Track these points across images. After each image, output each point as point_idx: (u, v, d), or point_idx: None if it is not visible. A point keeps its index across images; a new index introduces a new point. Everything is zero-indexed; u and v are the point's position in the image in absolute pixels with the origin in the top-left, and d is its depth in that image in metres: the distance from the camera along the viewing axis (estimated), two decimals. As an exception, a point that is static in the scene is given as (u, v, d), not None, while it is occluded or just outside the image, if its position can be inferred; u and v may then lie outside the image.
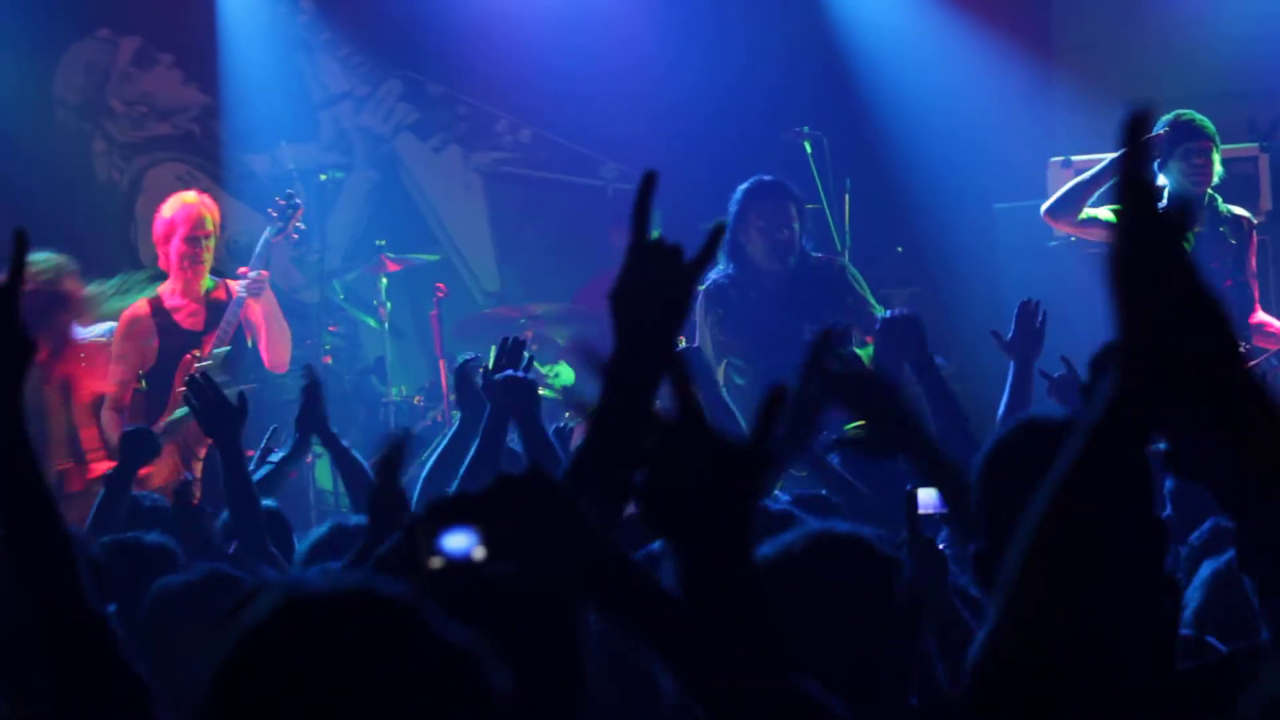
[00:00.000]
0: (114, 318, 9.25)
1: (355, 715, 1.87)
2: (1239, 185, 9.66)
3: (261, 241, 9.56)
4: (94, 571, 3.21)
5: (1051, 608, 2.06)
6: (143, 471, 8.43)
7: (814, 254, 8.91)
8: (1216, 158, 8.84)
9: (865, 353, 8.23)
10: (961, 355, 9.25)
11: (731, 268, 8.70)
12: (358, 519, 5.02)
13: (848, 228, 10.84)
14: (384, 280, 10.99)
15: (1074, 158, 10.16)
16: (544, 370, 11.06)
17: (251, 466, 6.50)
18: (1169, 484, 5.12)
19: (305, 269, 11.71)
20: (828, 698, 2.23)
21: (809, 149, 10.75)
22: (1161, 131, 8.80)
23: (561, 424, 7.01)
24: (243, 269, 9.36)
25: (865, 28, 12.33)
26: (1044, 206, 8.88)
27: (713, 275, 8.68)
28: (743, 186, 8.78)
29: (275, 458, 6.82)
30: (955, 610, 3.71)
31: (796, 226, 8.74)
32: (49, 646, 2.91)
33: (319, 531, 5.17)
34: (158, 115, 12.45)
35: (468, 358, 7.01)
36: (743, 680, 2.19)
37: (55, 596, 2.93)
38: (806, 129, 10.86)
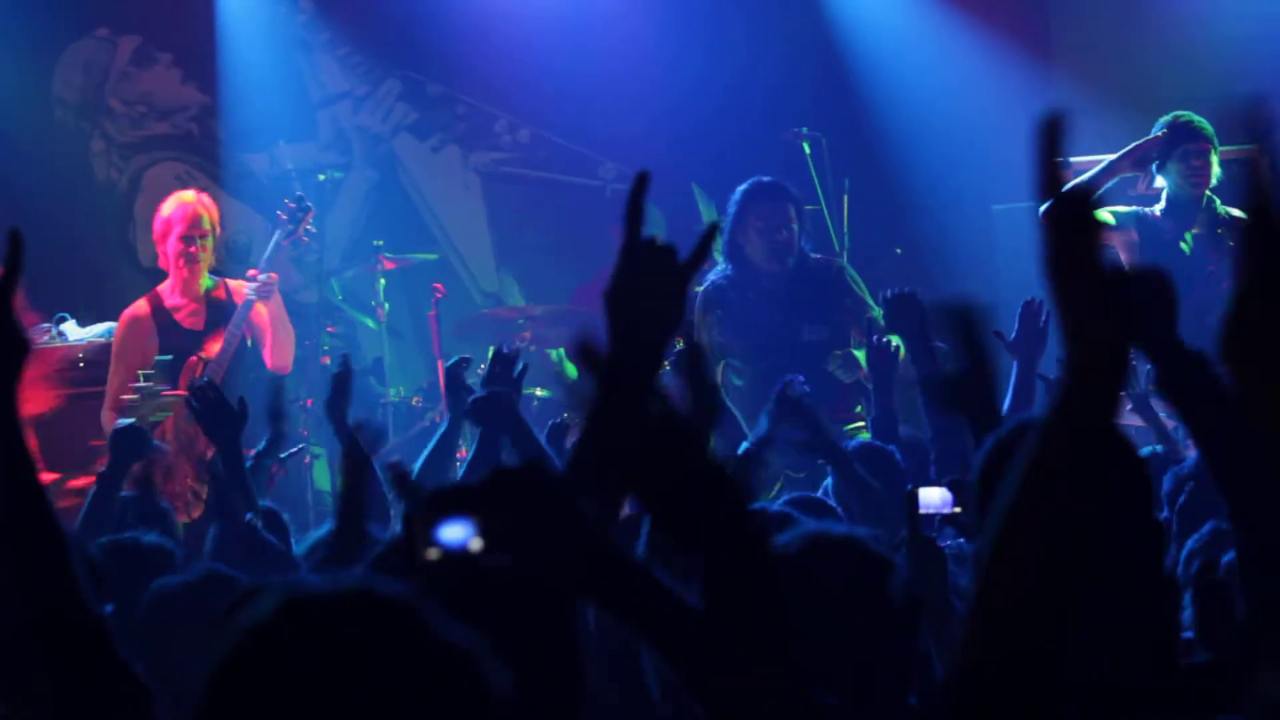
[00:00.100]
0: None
1: (355, 715, 1.87)
2: (1237, 187, 9.65)
3: (271, 244, 9.56)
4: (91, 572, 3.21)
5: (1019, 604, 2.06)
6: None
7: (813, 255, 8.92)
8: (1215, 159, 8.85)
9: (861, 354, 8.25)
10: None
11: (730, 269, 8.70)
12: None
13: (846, 229, 10.84)
14: (382, 281, 10.98)
15: (1073, 159, 10.14)
16: (552, 356, 11.07)
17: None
18: (1167, 486, 5.13)
19: (304, 269, 11.71)
20: (827, 697, 2.24)
21: (807, 150, 10.75)
22: (1159, 133, 8.81)
23: (558, 419, 7.01)
24: (252, 271, 9.35)
25: (864, 28, 12.33)
26: (1043, 208, 8.87)
27: (711, 276, 8.69)
28: (741, 187, 8.78)
29: (256, 452, 6.82)
30: (955, 610, 3.72)
31: (795, 228, 8.74)
32: (47, 646, 2.90)
33: (316, 534, 5.16)
34: (156, 115, 12.44)
35: (457, 359, 7.01)
36: (741, 676, 2.20)
37: (52, 596, 2.93)
38: (805, 130, 10.86)
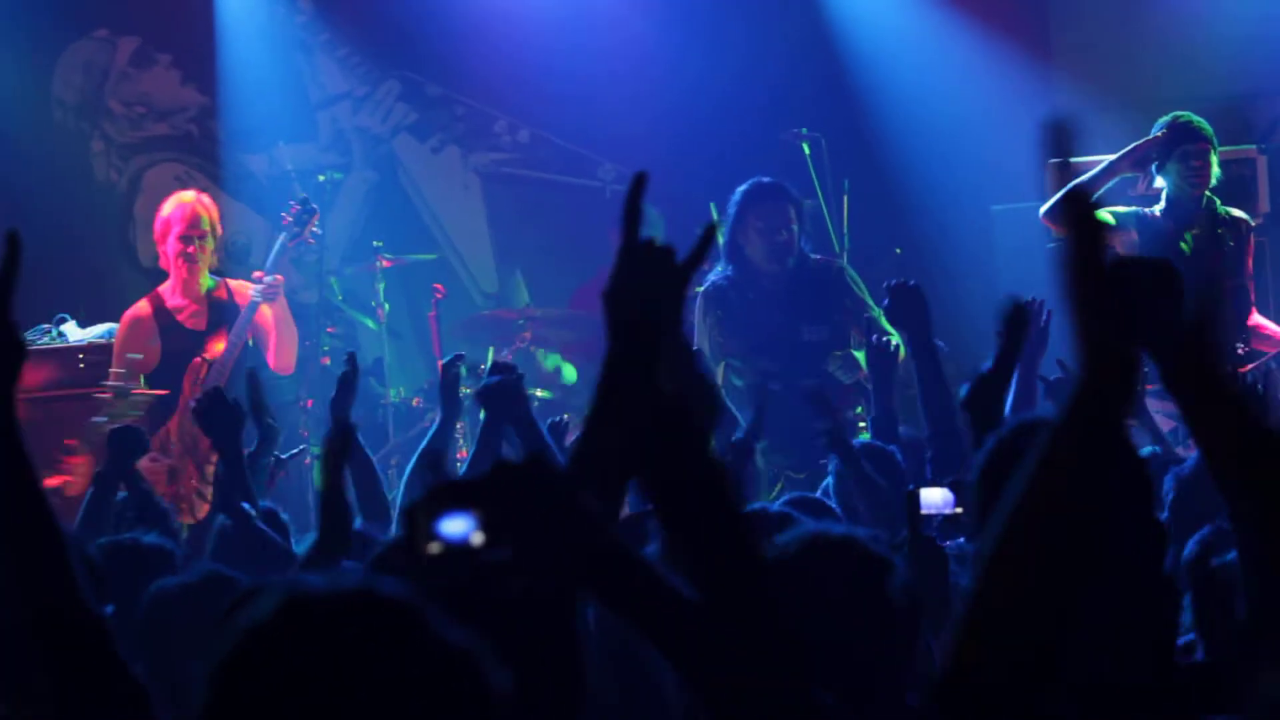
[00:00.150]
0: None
1: (355, 715, 1.87)
2: (1237, 188, 9.66)
3: (276, 246, 9.57)
4: (91, 572, 3.20)
5: (1021, 603, 2.06)
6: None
7: (812, 255, 8.91)
8: (1214, 159, 8.84)
9: (860, 355, 8.25)
10: (961, 356, 9.25)
11: (730, 269, 8.70)
12: (356, 524, 5.00)
13: (846, 229, 10.84)
14: (382, 282, 10.98)
15: (1071, 159, 10.14)
16: (544, 359, 11.07)
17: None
18: (1167, 487, 5.13)
19: (303, 269, 11.71)
20: (826, 696, 2.23)
21: (807, 150, 10.75)
22: (1159, 134, 8.81)
23: (556, 419, 7.02)
24: (258, 273, 9.34)
25: (864, 29, 12.33)
26: (1043, 209, 8.85)
27: (711, 277, 8.69)
28: (741, 188, 8.78)
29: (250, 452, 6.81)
30: (956, 610, 3.71)
31: (795, 228, 8.75)
32: (46, 647, 2.90)
33: (315, 536, 5.16)
34: (156, 115, 12.44)
35: (452, 357, 7.02)
36: (741, 674, 2.20)
37: (52, 597, 2.93)
38: (805, 130, 10.86)
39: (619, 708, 3.56)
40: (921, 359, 5.97)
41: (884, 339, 6.93)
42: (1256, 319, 8.98)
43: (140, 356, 9.06)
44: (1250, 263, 9.04)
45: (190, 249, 9.16)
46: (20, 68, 11.96)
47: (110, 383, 8.93)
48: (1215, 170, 8.85)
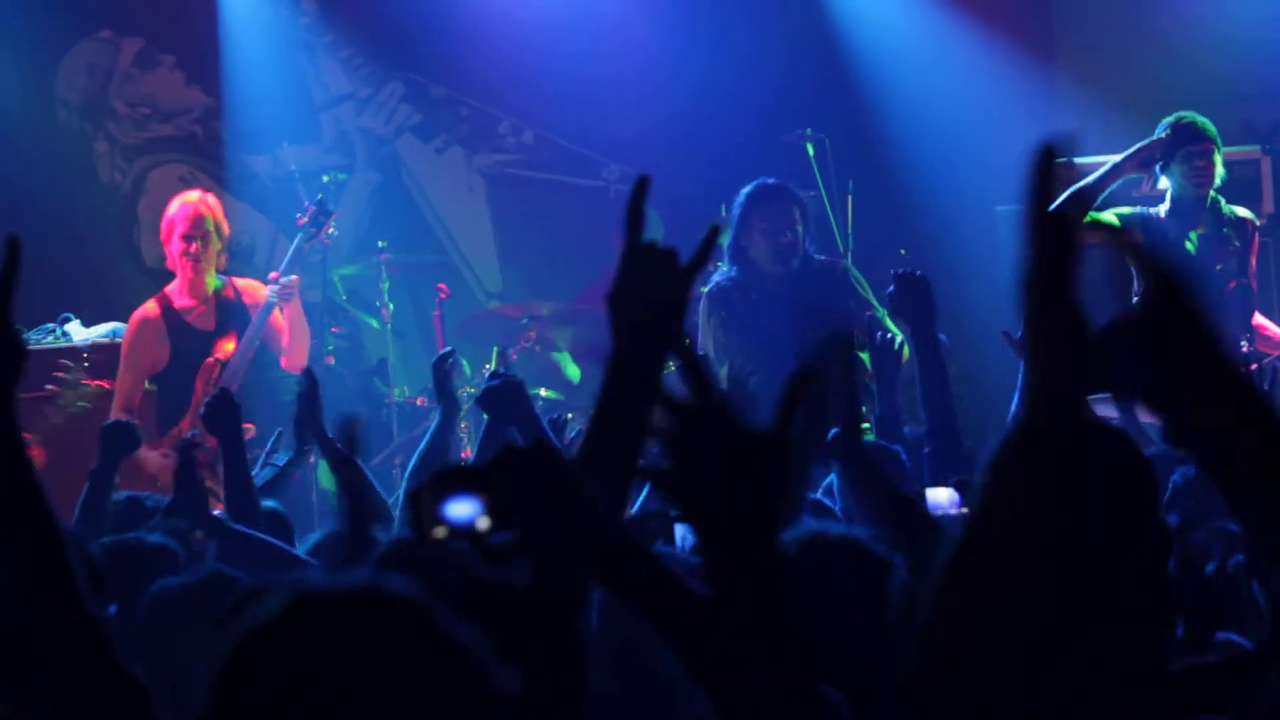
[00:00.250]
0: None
1: (361, 713, 1.87)
2: (1241, 188, 9.65)
3: (293, 247, 9.57)
4: (93, 572, 3.20)
5: (973, 617, 2.06)
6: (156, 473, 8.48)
7: (817, 256, 8.91)
8: (1218, 159, 8.83)
9: (866, 356, 8.23)
10: (965, 356, 9.24)
11: (734, 270, 8.70)
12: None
13: (850, 230, 10.84)
14: (386, 282, 10.98)
15: (1076, 160, 10.14)
16: (554, 358, 11.07)
17: (256, 470, 6.51)
18: (1175, 486, 5.12)
19: (307, 270, 11.70)
20: (837, 694, 2.24)
21: (811, 151, 10.75)
22: (1163, 135, 8.80)
23: (556, 415, 7.01)
24: (274, 274, 9.35)
25: (867, 30, 12.32)
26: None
27: (716, 278, 8.69)
28: (746, 189, 8.78)
29: (279, 460, 6.83)
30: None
31: (800, 229, 8.74)
32: (45, 648, 2.90)
33: (316, 536, 5.17)
34: (160, 116, 12.45)
35: (443, 353, 7.02)
36: (746, 668, 2.20)
37: (50, 598, 2.93)
38: (809, 131, 10.86)
39: (621, 707, 3.56)
40: (923, 353, 5.95)
41: (888, 337, 6.91)
42: (1258, 320, 8.98)
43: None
44: (1253, 262, 9.03)
45: (193, 248, 9.15)
46: (24, 69, 11.97)
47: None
48: (1220, 170, 8.85)
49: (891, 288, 6.29)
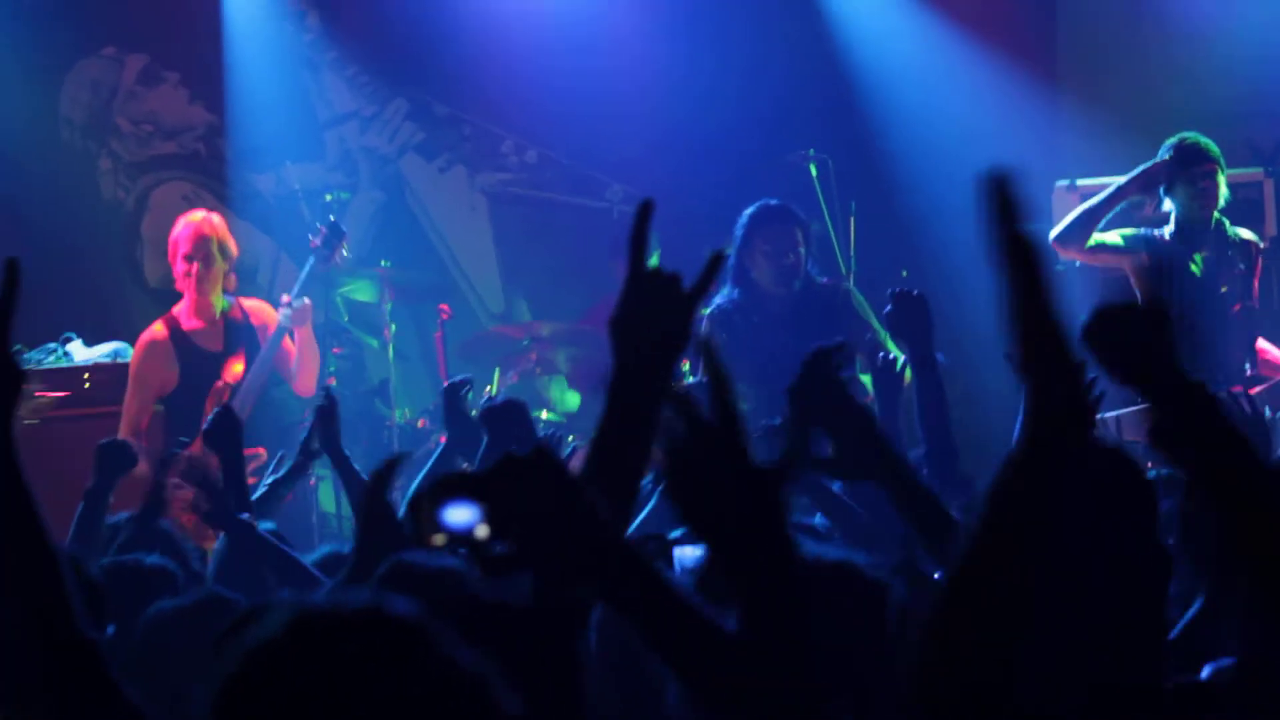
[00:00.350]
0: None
1: None
2: (1244, 210, 9.64)
3: (305, 271, 9.55)
4: (92, 593, 3.20)
5: (973, 631, 2.06)
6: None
7: (819, 278, 8.91)
8: (1222, 180, 8.83)
9: (867, 379, 8.22)
10: (967, 377, 9.23)
11: (736, 292, 8.70)
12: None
13: (853, 251, 10.83)
14: (389, 303, 10.96)
15: (1079, 181, 10.15)
16: (547, 386, 11.04)
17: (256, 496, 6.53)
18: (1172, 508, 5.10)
19: (309, 290, 11.69)
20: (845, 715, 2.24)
21: (814, 172, 10.75)
22: (1167, 156, 8.80)
23: (551, 432, 7.01)
24: (285, 297, 9.33)
25: (871, 51, 12.33)
26: (1053, 234, 8.82)
27: (718, 300, 8.68)
28: (748, 211, 8.78)
29: (271, 478, 6.84)
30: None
31: (802, 251, 8.75)
32: (41, 670, 2.89)
33: (311, 557, 5.17)
34: (163, 134, 12.45)
35: (456, 380, 7.02)
36: (739, 679, 2.19)
37: (46, 621, 2.92)
38: (812, 151, 10.86)
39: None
40: (920, 372, 5.93)
41: (890, 358, 6.89)
42: (1261, 344, 8.97)
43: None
44: (1258, 285, 9.03)
45: (194, 269, 9.14)
46: (28, 86, 11.97)
47: None
48: (1224, 191, 8.84)
49: (889, 307, 6.27)
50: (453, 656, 1.92)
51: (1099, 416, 5.64)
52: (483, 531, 2.14)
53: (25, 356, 9.17)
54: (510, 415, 6.15)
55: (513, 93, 12.45)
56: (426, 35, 12.30)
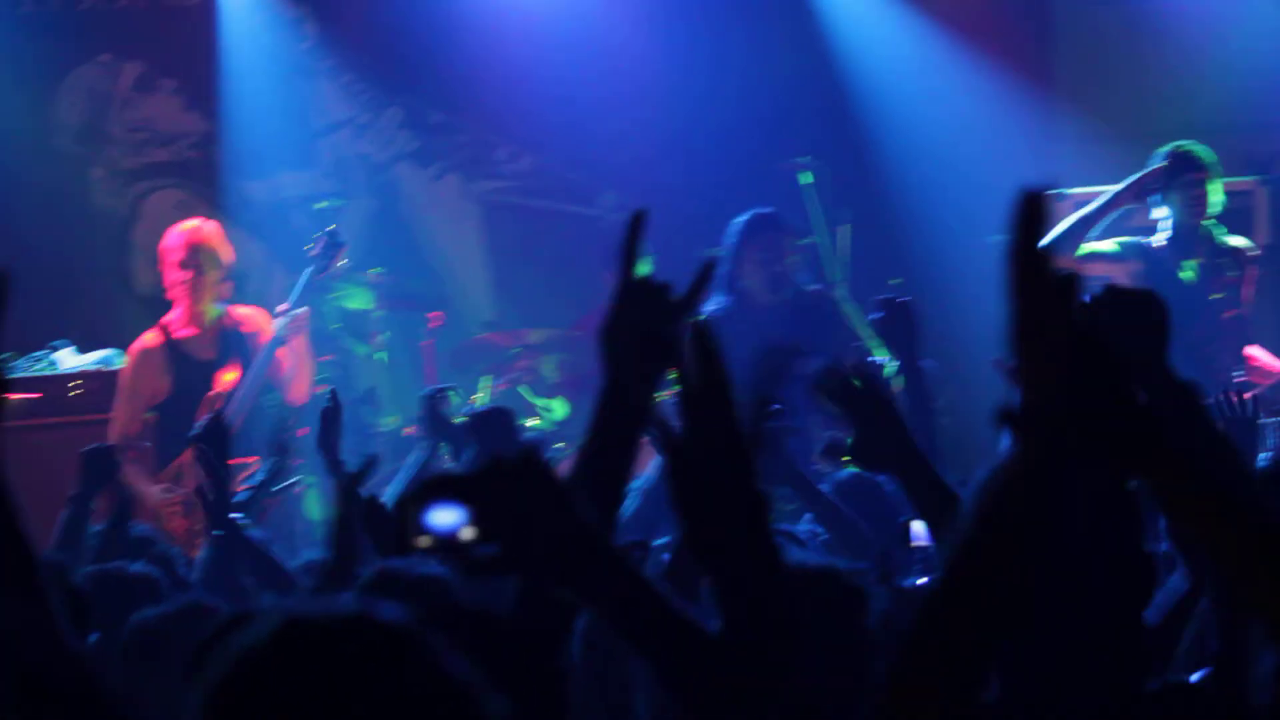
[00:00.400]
0: None
1: None
2: (1238, 219, 9.64)
3: (302, 279, 9.49)
4: (76, 601, 3.19)
5: (957, 637, 2.06)
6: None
7: (809, 286, 8.92)
8: (1214, 187, 8.84)
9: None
10: (957, 386, 9.23)
11: (727, 300, 8.71)
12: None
13: (845, 259, 10.83)
14: (380, 310, 10.95)
15: (1071, 190, 10.15)
16: (538, 402, 11.03)
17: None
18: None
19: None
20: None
21: (807, 179, 10.75)
22: (1160, 164, 8.81)
23: (533, 436, 7.02)
24: (282, 306, 9.32)
25: (865, 59, 12.33)
26: (1044, 242, 8.82)
27: (708, 307, 8.68)
28: (739, 219, 8.80)
29: (252, 481, 6.83)
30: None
31: (793, 259, 8.76)
32: (21, 679, 2.89)
33: (295, 564, 5.17)
34: (157, 141, 12.44)
35: (435, 388, 7.02)
36: (720, 682, 2.19)
37: (25, 628, 2.91)
38: (805, 159, 10.86)
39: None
40: (907, 379, 5.92)
41: (877, 366, 6.87)
42: (1251, 351, 8.97)
43: None
44: (1249, 292, 9.03)
45: (186, 276, 9.13)
46: (23, 92, 11.97)
47: None
48: (1216, 198, 8.85)
49: (878, 314, 6.28)
50: (442, 663, 1.91)
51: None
52: (469, 533, 2.14)
53: (12, 365, 9.14)
54: (497, 423, 6.15)
55: (507, 101, 12.45)
56: (422, 44, 12.30)
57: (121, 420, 9.05)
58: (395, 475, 7.04)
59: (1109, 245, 8.85)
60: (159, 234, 9.51)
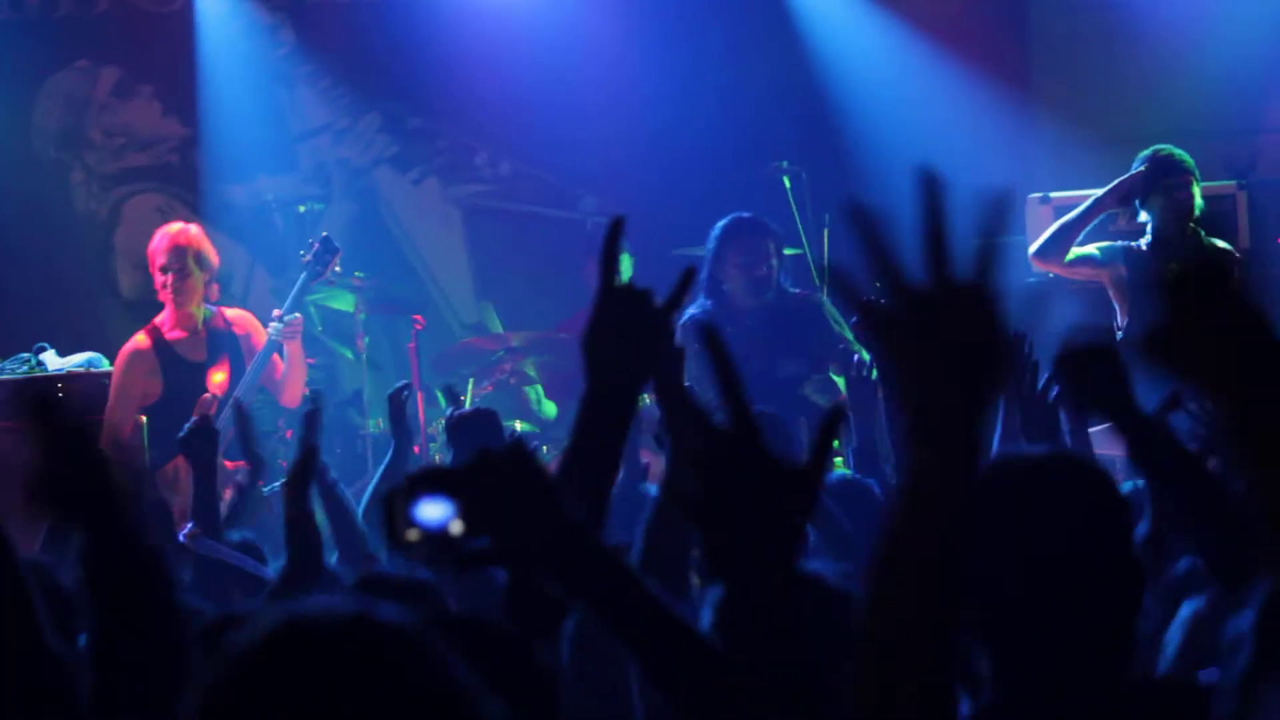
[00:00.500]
0: None
1: None
2: (1217, 224, 9.65)
3: (297, 286, 9.50)
4: (62, 603, 3.18)
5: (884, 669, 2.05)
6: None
7: (791, 290, 8.92)
8: (1196, 191, 8.85)
9: (841, 380, 8.23)
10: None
11: (709, 304, 8.71)
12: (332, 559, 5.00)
13: (826, 263, 10.84)
14: (363, 313, 10.94)
15: (1052, 194, 10.16)
16: (525, 391, 11.03)
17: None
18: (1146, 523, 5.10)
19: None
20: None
21: (788, 183, 10.76)
22: (1141, 169, 8.82)
23: (516, 434, 7.00)
24: (277, 311, 9.31)
25: (845, 64, 12.35)
26: (1032, 249, 8.85)
27: (691, 310, 8.68)
28: (721, 224, 8.80)
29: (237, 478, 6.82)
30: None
31: (775, 263, 8.76)
32: (9, 690, 2.88)
33: (275, 566, 5.16)
34: (137, 146, 12.43)
35: (399, 385, 7.01)
36: (704, 677, 2.19)
37: (15, 641, 2.90)
38: (786, 164, 10.87)
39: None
40: (887, 383, 5.91)
41: (866, 369, 6.86)
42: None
43: None
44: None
45: (169, 279, 9.13)
46: (1, 99, 11.96)
47: None
48: (1198, 201, 8.87)
49: (856, 318, 6.28)
50: (442, 664, 1.92)
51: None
52: (457, 527, 2.14)
53: (-1, 367, 9.15)
54: (481, 425, 6.13)
55: (486, 106, 12.45)
56: (400, 49, 12.30)
57: (112, 423, 9.04)
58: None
59: (1093, 250, 8.87)
60: (140, 238, 9.51)
